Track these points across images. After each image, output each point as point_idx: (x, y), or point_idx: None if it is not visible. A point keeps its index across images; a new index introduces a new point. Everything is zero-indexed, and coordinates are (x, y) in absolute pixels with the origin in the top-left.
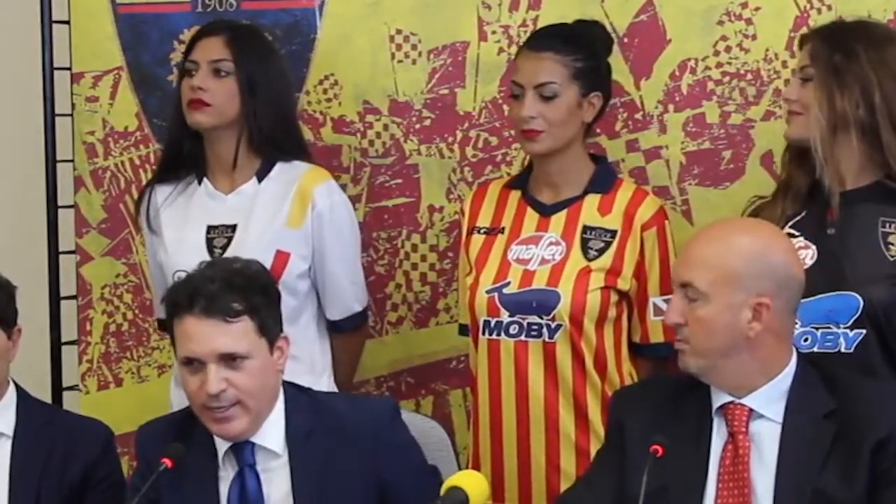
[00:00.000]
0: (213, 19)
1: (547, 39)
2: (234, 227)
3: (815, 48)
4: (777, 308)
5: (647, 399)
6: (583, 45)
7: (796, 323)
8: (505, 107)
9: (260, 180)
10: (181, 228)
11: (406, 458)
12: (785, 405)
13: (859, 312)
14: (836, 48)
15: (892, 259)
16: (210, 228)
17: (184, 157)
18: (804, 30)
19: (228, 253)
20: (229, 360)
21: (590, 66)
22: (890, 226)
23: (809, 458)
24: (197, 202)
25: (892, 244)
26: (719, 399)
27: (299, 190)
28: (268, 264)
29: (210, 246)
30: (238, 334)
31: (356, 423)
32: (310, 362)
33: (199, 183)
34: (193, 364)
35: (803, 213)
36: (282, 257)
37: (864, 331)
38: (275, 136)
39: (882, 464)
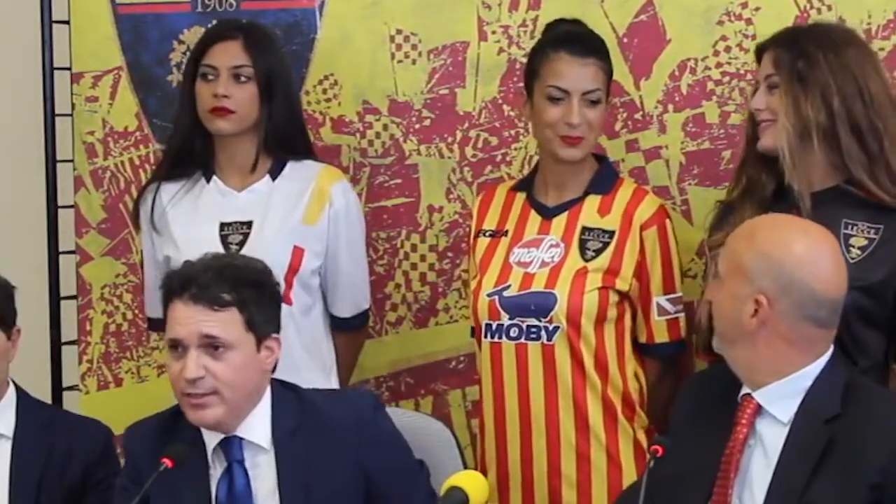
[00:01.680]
0: (223, 20)
1: (587, 45)
2: (249, 224)
3: (779, 56)
4: (780, 311)
5: (703, 385)
6: (607, 50)
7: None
8: (505, 106)
9: (274, 178)
10: (191, 225)
11: (390, 450)
12: (798, 406)
13: None
14: (798, 54)
15: (852, 261)
16: (223, 225)
17: (195, 156)
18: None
19: (245, 248)
20: (211, 347)
21: (611, 71)
22: (852, 228)
23: (801, 465)
24: (207, 199)
25: (853, 246)
26: (744, 389)
27: (317, 188)
28: (285, 259)
29: (225, 242)
30: (223, 323)
31: (339, 418)
32: (320, 358)
33: (208, 181)
34: (178, 349)
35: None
36: (298, 253)
37: None
38: (288, 136)
39: (891, 491)
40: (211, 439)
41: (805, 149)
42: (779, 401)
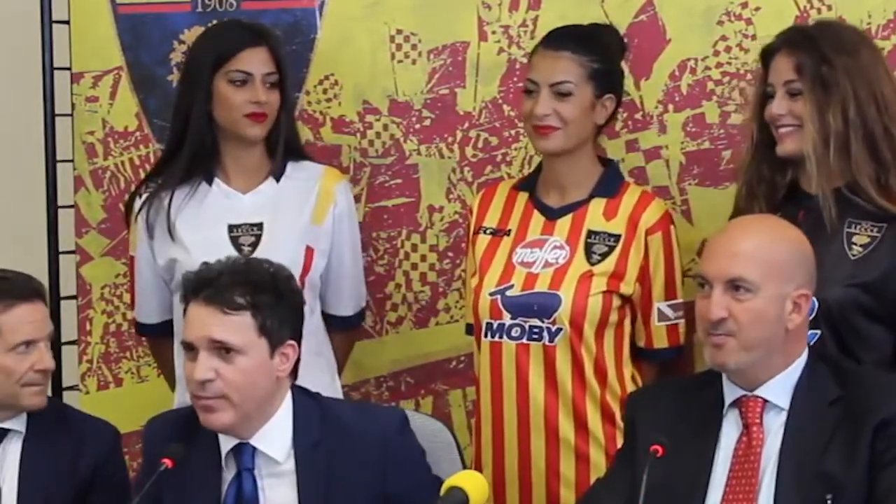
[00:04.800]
0: (234, 21)
1: (564, 39)
2: (259, 226)
3: (801, 61)
4: (809, 297)
5: (659, 399)
6: (599, 47)
7: None
8: (505, 106)
9: (277, 179)
10: (199, 228)
11: (414, 471)
12: (793, 393)
13: (814, 313)
14: (820, 60)
15: (853, 258)
16: (232, 227)
17: (206, 159)
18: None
19: (259, 250)
20: (221, 350)
21: (605, 68)
22: (855, 226)
23: (812, 442)
24: (212, 202)
25: (855, 244)
26: (733, 393)
27: (323, 189)
28: (299, 260)
29: (236, 244)
30: (234, 327)
31: (364, 434)
32: (326, 359)
33: (210, 184)
34: (191, 350)
35: (777, 216)
36: (310, 253)
37: (819, 331)
38: (292, 138)
39: (881, 444)
40: (225, 443)
41: (826, 155)
42: (781, 392)
